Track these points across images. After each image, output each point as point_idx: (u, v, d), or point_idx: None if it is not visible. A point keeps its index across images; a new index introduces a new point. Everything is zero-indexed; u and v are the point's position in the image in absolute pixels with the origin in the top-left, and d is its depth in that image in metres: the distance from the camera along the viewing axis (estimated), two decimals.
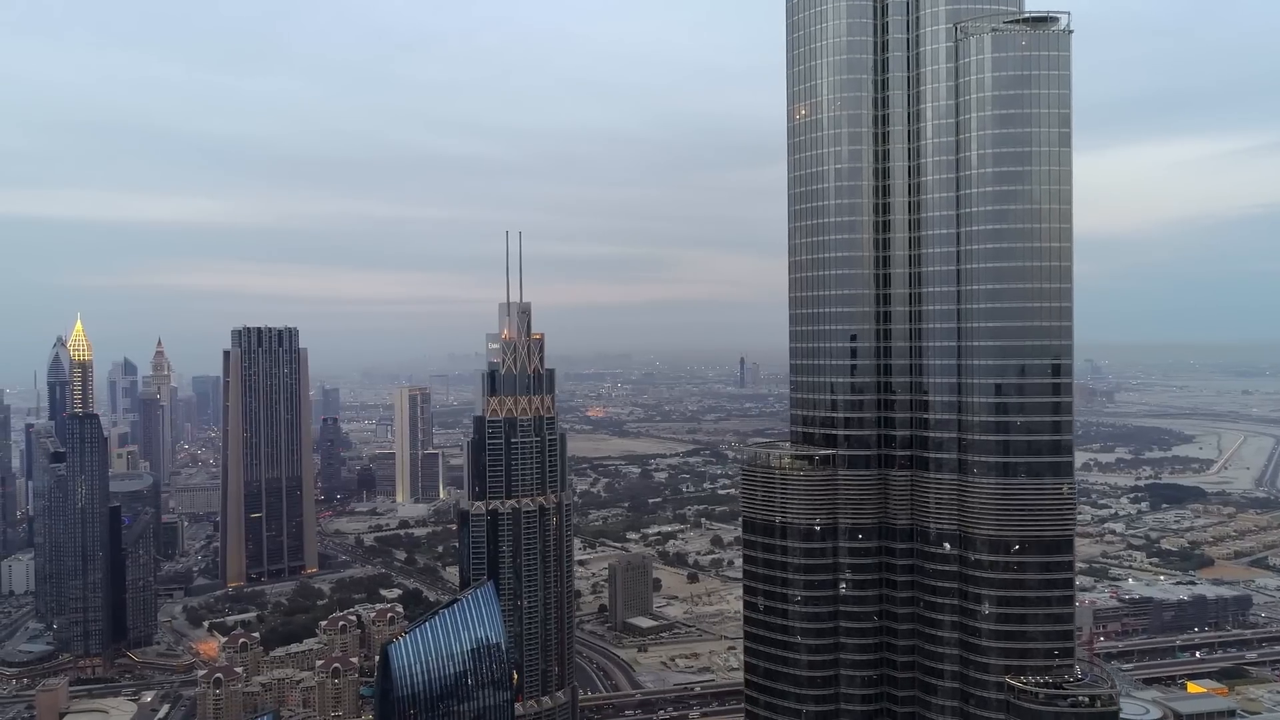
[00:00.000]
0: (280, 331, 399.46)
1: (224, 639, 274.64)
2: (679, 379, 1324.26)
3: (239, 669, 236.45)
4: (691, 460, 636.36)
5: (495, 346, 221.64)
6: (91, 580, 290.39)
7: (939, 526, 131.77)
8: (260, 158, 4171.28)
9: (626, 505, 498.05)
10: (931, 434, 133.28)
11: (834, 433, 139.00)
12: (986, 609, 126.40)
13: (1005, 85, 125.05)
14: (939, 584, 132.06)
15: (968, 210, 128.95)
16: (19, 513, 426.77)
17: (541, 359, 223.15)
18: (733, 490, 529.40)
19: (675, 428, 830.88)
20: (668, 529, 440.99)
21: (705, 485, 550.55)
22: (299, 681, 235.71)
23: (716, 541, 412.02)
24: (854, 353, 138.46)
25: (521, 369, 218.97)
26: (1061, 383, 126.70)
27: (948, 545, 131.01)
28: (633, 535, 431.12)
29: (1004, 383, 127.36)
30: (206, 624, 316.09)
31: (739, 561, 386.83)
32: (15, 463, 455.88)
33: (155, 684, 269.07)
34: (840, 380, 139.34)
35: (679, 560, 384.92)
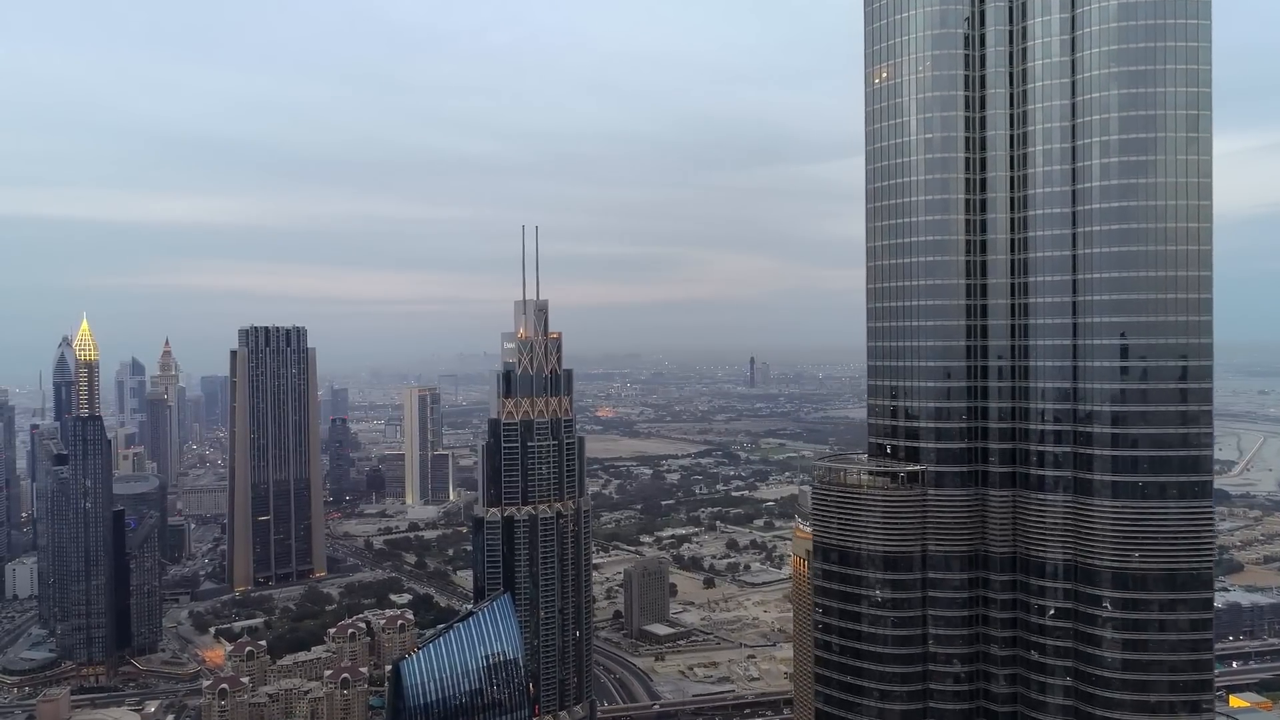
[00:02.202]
0: (288, 331, 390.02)
1: (230, 646, 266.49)
2: (688, 379, 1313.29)
3: (245, 679, 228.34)
4: (704, 461, 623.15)
5: (511, 346, 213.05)
6: (95, 585, 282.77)
7: (1048, 555, 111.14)
8: (270, 158, 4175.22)
9: (639, 507, 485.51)
10: (1039, 447, 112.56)
11: (920, 445, 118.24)
12: (1108, 655, 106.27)
13: (1134, 37, 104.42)
14: (1048, 624, 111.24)
15: (1087, 185, 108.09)
16: (23, 515, 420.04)
17: (559, 359, 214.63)
18: (747, 492, 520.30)
19: (686, 428, 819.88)
20: (681, 532, 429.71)
21: (718, 487, 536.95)
22: (307, 692, 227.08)
23: (732, 545, 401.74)
24: (945, 351, 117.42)
25: (538, 369, 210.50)
26: (1197, 388, 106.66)
27: (1059, 578, 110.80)
28: (646, 538, 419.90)
29: (1129, 388, 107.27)
30: (213, 630, 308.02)
31: (755, 566, 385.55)
32: (21, 463, 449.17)
33: (159, 693, 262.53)
34: (928, 384, 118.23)
35: (694, 565, 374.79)
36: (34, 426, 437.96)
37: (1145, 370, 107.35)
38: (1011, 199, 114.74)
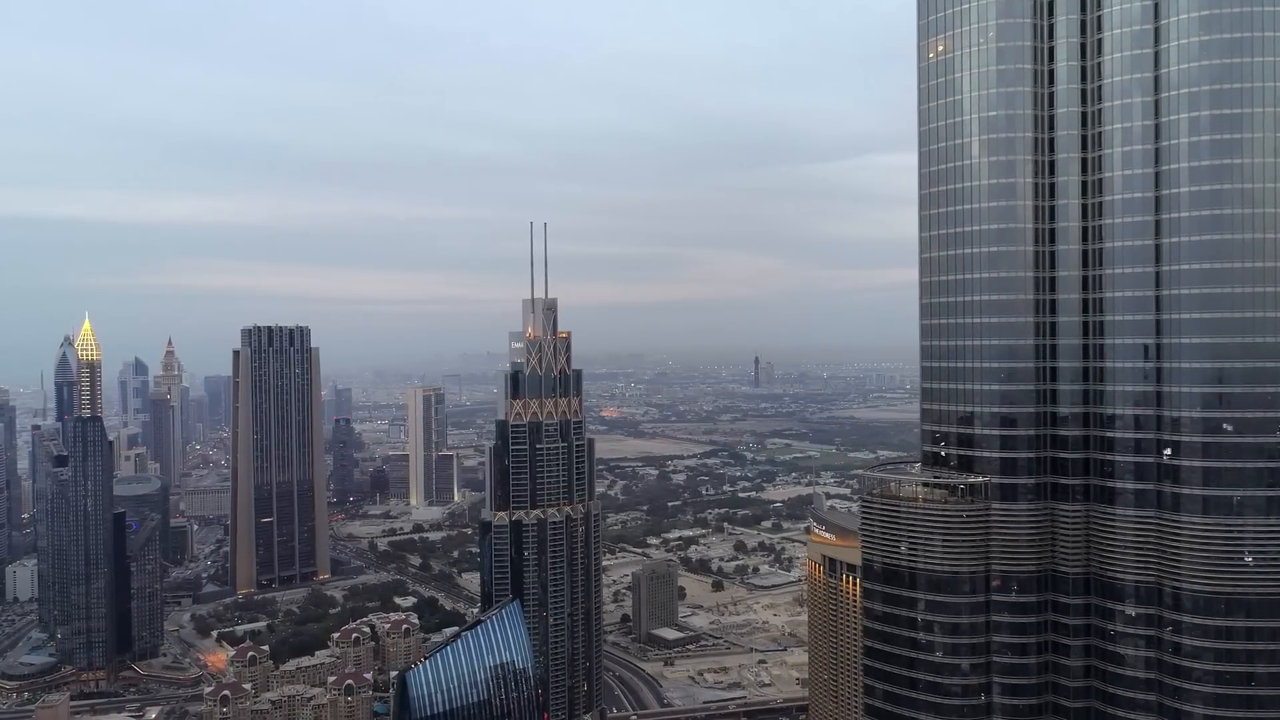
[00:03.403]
0: (291, 330, 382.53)
1: (233, 651, 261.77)
2: (692, 379, 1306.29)
3: (247, 685, 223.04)
4: (709, 462, 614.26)
5: (519, 345, 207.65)
6: (95, 588, 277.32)
7: (1128, 577, 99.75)
8: (274, 158, 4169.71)
9: (645, 508, 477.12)
10: (1117, 457, 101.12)
11: (981, 454, 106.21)
12: (1196, 688, 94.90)
13: (1227, 1, 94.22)
14: (1128, 652, 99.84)
15: (1172, 166, 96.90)
16: (24, 516, 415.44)
17: (569, 358, 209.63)
18: (754, 493, 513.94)
19: (691, 428, 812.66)
20: (689, 533, 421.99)
21: (725, 488, 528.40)
22: (310, 698, 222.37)
23: (740, 547, 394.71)
24: (1010, 351, 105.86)
25: (547, 369, 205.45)
26: None
27: (1140, 602, 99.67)
28: (653, 540, 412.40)
29: (1223, 391, 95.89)
30: (215, 634, 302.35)
31: (764, 568, 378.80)
32: (23, 464, 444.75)
33: (160, 698, 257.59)
34: (991, 386, 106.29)
35: (702, 567, 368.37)
36: (35, 427, 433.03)
37: (1240, 371, 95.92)
38: (1084, 183, 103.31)
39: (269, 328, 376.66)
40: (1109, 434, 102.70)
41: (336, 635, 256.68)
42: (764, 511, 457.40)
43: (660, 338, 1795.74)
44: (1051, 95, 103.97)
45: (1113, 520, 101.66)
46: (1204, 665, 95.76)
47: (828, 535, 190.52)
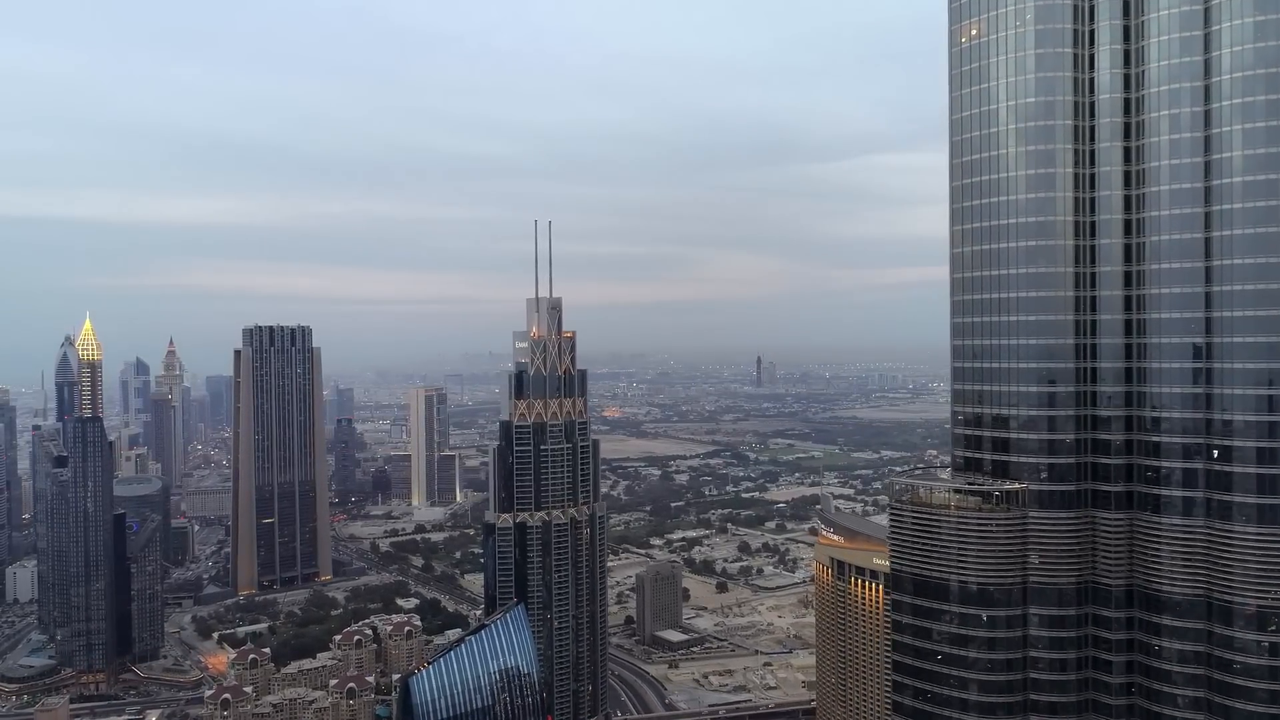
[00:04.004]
0: (293, 330, 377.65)
1: (234, 653, 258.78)
2: (694, 378, 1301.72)
3: (248, 688, 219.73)
4: (712, 462, 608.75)
5: (523, 345, 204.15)
6: (95, 590, 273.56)
7: (1175, 589, 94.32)
8: (276, 159, 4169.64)
9: (648, 509, 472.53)
10: (1164, 463, 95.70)
11: (1017, 459, 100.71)
12: (1249, 709, 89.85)
13: None
14: (1175, 670, 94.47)
15: (1224, 155, 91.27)
16: (25, 517, 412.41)
17: (573, 358, 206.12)
18: (757, 494, 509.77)
19: (693, 428, 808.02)
20: (692, 534, 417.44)
21: (728, 488, 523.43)
22: (312, 701, 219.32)
23: (744, 548, 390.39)
24: (1049, 350, 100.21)
25: (551, 369, 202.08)
26: None
27: (1188, 616, 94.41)
28: (656, 541, 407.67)
29: (1277, 393, 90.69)
30: (216, 635, 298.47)
31: (769, 569, 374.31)
32: (24, 464, 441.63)
33: (161, 701, 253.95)
34: (1027, 388, 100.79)
35: (706, 568, 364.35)
36: (35, 428, 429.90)
37: None
38: (1127, 173, 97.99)
39: (270, 327, 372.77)
40: (1154, 438, 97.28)
41: (338, 637, 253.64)
42: (768, 512, 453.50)
43: (661, 337, 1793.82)
44: (1092, 80, 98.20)
45: (1158, 529, 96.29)
46: (1258, 684, 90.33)
47: (836, 538, 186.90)
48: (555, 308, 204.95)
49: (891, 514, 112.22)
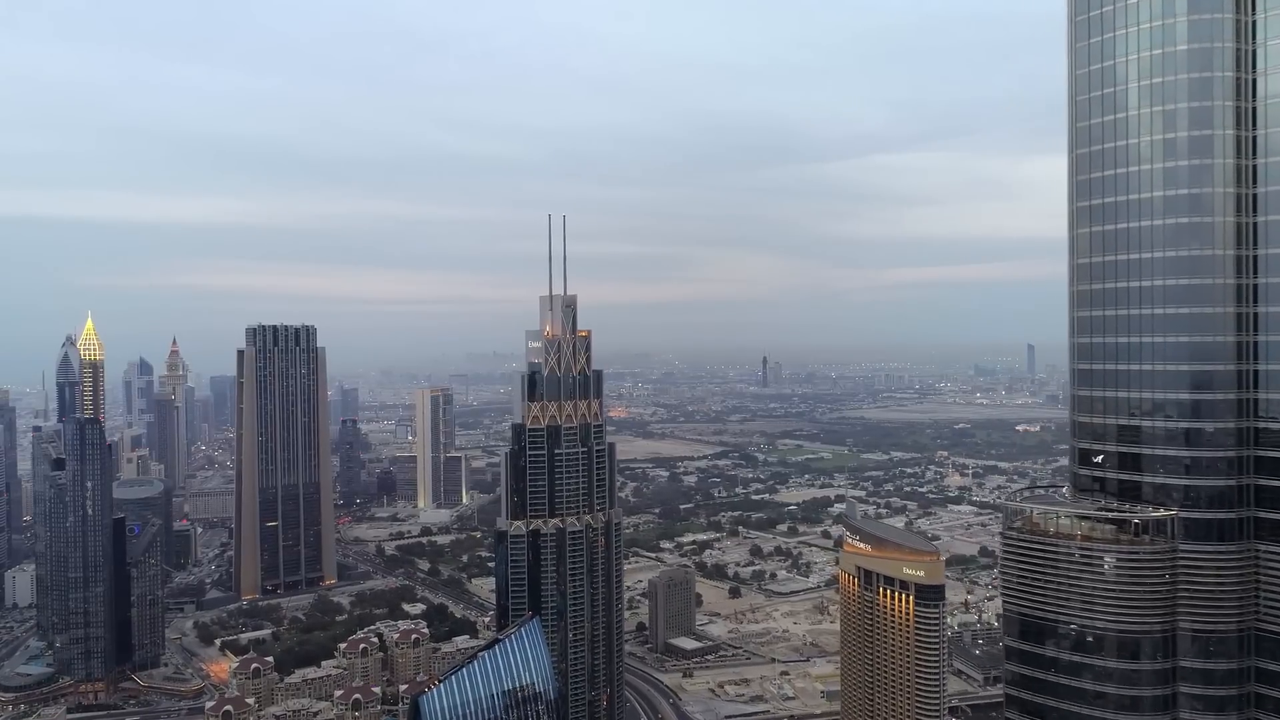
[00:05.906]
0: (297, 330, 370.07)
1: (236, 661, 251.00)
2: (700, 379, 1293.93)
3: (250, 699, 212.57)
4: (720, 463, 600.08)
5: (536, 345, 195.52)
6: (94, 595, 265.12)
7: None
8: (279, 158, 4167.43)
9: (657, 511, 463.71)
10: None
11: (1159, 480, 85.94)
12: None
13: None
14: None
15: None
16: (25, 519, 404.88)
17: (588, 358, 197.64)
18: (767, 495, 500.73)
19: (700, 429, 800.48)
20: (702, 537, 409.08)
21: (737, 490, 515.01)
22: (316, 713, 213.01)
23: (756, 552, 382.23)
24: (1199, 350, 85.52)
25: (566, 370, 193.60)
26: None
27: None
28: (666, 544, 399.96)
29: None
30: (219, 642, 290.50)
31: (782, 574, 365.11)
32: (25, 466, 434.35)
33: (161, 711, 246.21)
34: (1172, 395, 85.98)
35: (718, 572, 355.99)
36: (36, 428, 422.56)
37: None
38: None
39: (274, 327, 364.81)
40: None
41: (344, 645, 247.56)
42: (779, 514, 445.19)
43: (667, 337, 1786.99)
44: (1254, 24, 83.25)
45: None
46: None
47: (863, 545, 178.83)
48: (570, 305, 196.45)
49: (1004, 543, 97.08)
